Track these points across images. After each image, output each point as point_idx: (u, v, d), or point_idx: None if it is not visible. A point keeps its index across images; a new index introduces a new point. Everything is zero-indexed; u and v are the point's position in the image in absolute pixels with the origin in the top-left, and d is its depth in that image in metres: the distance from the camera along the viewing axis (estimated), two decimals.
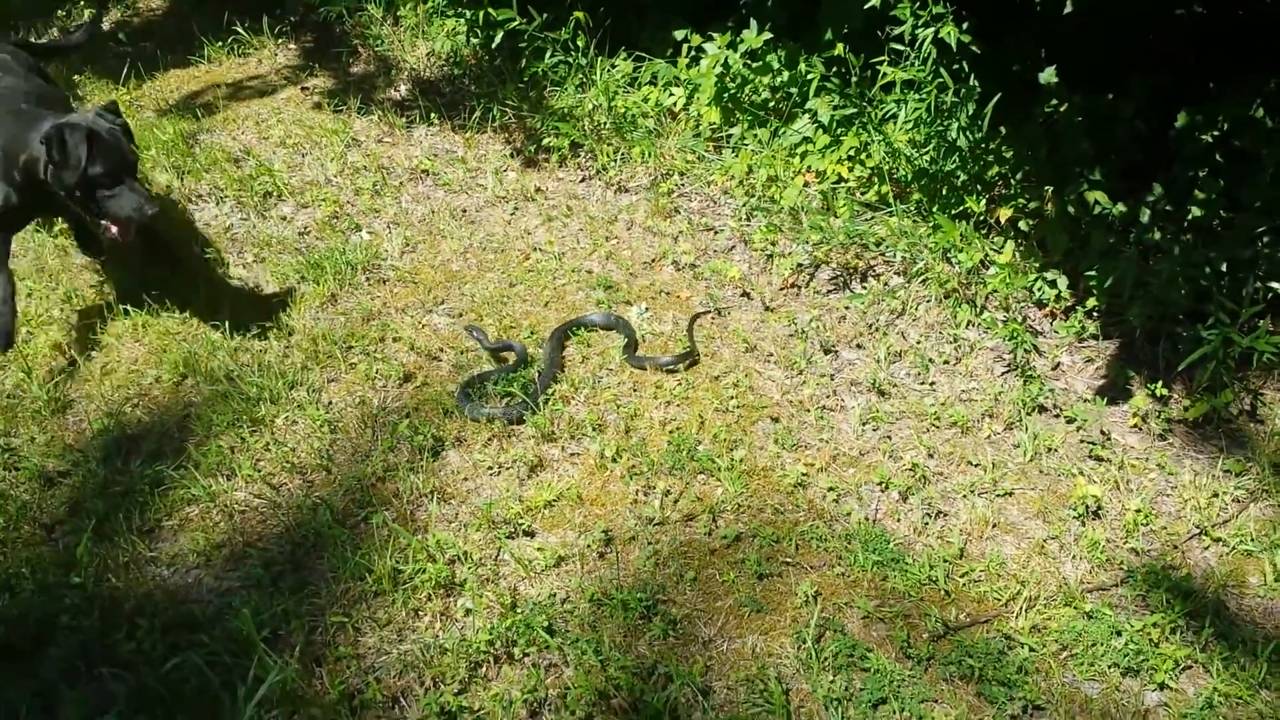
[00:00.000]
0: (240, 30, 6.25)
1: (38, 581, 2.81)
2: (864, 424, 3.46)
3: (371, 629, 2.72)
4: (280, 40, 6.35)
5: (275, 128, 5.31)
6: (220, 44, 6.20)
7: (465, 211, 4.69)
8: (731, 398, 3.53)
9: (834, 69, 4.55)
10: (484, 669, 2.62)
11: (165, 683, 2.53)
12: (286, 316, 3.89)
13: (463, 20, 5.75)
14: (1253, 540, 3.01)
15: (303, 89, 5.77)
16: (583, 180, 4.93)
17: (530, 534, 3.03)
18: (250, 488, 3.15)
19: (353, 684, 2.56)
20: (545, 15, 5.09)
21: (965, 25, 4.04)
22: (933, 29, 4.05)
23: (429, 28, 6.05)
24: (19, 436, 3.34)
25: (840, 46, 4.38)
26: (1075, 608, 2.79)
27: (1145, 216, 3.93)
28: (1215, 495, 3.17)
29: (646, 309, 4.01)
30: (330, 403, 3.50)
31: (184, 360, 3.60)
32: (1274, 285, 3.52)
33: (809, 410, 3.51)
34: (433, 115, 5.38)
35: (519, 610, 2.75)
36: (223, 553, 2.94)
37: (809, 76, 4.47)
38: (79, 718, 2.47)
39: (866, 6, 4.20)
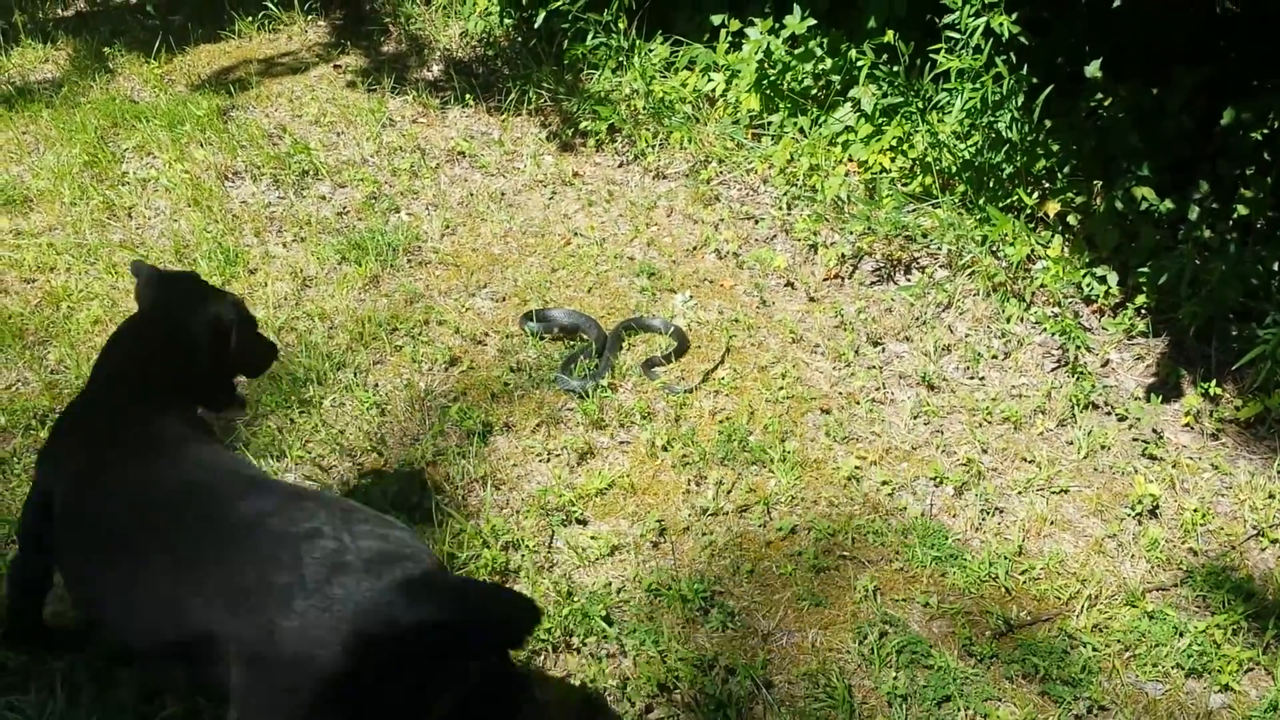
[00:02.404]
0: (270, 5, 6.20)
1: None
2: (915, 418, 3.44)
3: None
4: (310, 17, 6.31)
5: (309, 105, 5.27)
6: (250, 19, 6.15)
7: (504, 194, 4.65)
8: (781, 388, 3.50)
9: (881, 56, 4.50)
10: (543, 658, 2.60)
11: None
12: (329, 297, 3.86)
13: (496, 1, 5.70)
14: None
15: (335, 67, 5.73)
16: (620, 165, 4.90)
17: (583, 522, 3.01)
18: (300, 469, 3.12)
19: None
20: None
21: (1014, 15, 4.00)
22: (984, 19, 4.01)
23: (461, 7, 6.00)
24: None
25: (891, 34, 4.33)
26: (1137, 607, 2.77)
27: (1193, 214, 3.91)
28: (1271, 496, 3.14)
29: (691, 297, 3.98)
30: (377, 385, 3.47)
31: None
32: None
33: (859, 403, 3.48)
34: (467, 96, 5.35)
35: (575, 598, 2.72)
36: None
37: (859, 63, 4.42)
38: (137, 697, 2.44)
39: None
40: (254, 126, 4.97)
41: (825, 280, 4.13)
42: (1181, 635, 2.70)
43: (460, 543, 2.85)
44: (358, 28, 6.16)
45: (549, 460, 3.22)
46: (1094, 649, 2.67)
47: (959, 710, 2.49)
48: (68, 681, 2.43)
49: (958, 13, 4.00)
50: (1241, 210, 3.84)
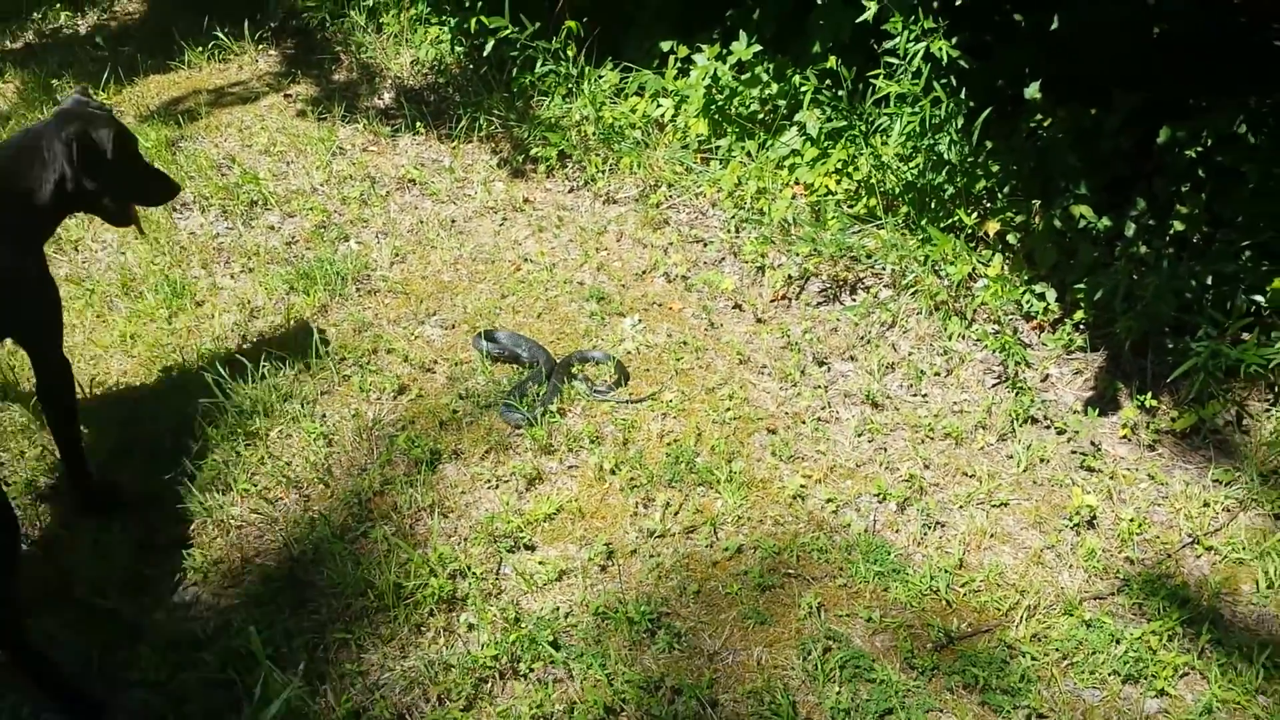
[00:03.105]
0: (220, 35, 6.21)
1: (33, 600, 2.77)
2: (859, 435, 3.49)
3: (375, 645, 2.70)
4: (261, 46, 6.32)
5: (259, 135, 5.27)
6: (200, 49, 6.16)
7: (454, 221, 4.68)
8: (728, 409, 3.54)
9: (825, 81, 4.58)
10: (490, 685, 2.61)
11: (169, 702, 2.50)
12: (277, 329, 3.87)
13: (447, 28, 5.75)
14: (1244, 549, 3.05)
15: (285, 96, 5.74)
16: (571, 191, 4.94)
17: (531, 548, 3.03)
18: (246, 503, 3.12)
19: (359, 701, 2.54)
20: (536, 24, 5.09)
21: (955, 40, 4.09)
22: (924, 44, 4.09)
23: (412, 35, 6.05)
24: (8, 451, 3.29)
25: (833, 59, 4.41)
26: (1075, 616, 2.82)
27: (1130, 230, 4.00)
28: (1206, 504, 3.21)
29: (639, 321, 4.01)
30: (324, 415, 3.48)
31: (175, 372, 3.57)
32: (1258, 299, 3.58)
33: (805, 422, 3.53)
34: (418, 124, 5.37)
35: (523, 624, 2.74)
36: (220, 569, 2.91)
37: (802, 89, 4.50)
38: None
39: (858, 20, 4.25)
40: (203, 157, 4.97)
41: (772, 301, 4.18)
42: (1118, 642, 2.76)
43: (407, 572, 2.86)
44: (309, 56, 6.18)
45: (497, 487, 3.24)
46: (1033, 658, 2.72)
47: None
48: None
49: (899, 38, 4.08)
50: (1178, 226, 3.93)
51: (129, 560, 2.90)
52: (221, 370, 3.57)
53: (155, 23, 6.58)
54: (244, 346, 3.77)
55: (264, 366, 3.64)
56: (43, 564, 2.92)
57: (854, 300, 4.14)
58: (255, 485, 3.17)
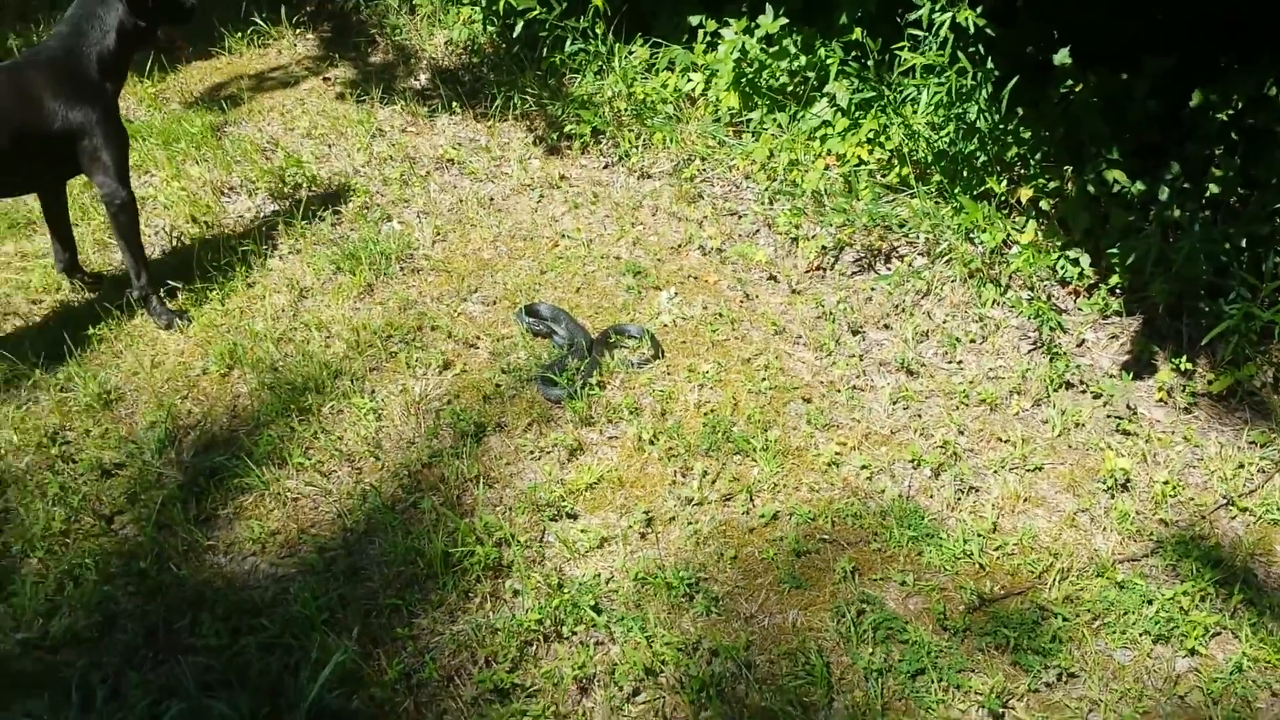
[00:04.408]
0: (258, 20, 6.32)
1: (100, 571, 2.91)
2: (894, 403, 3.54)
3: (424, 611, 2.81)
4: (298, 30, 6.43)
5: (300, 119, 5.39)
6: (240, 35, 6.27)
7: (492, 200, 4.77)
8: (764, 379, 3.61)
9: (852, 53, 4.61)
10: (534, 647, 2.72)
11: (230, 666, 2.63)
12: (325, 307, 3.98)
13: (478, 9, 5.81)
14: (1279, 509, 3.08)
15: (325, 79, 5.85)
16: (606, 167, 5.01)
17: (573, 516, 3.13)
18: (301, 476, 3.24)
19: (409, 664, 2.66)
20: (564, 3, 5.15)
21: (980, 8, 4.10)
22: (949, 14, 4.11)
23: (445, 16, 6.12)
24: (74, 429, 3.43)
25: (858, 31, 4.43)
26: (1107, 578, 2.87)
27: (1164, 194, 4.00)
28: (1241, 466, 3.24)
29: (676, 294, 4.09)
30: (373, 391, 3.59)
31: (229, 351, 3.70)
32: None
33: (840, 390, 3.59)
34: (454, 104, 5.46)
35: (566, 590, 2.84)
36: (277, 539, 3.04)
37: (828, 61, 4.53)
38: (148, 700, 2.57)
39: None
40: (247, 141, 5.10)
41: (807, 272, 4.24)
42: (1150, 603, 2.81)
43: (455, 540, 2.97)
44: (345, 39, 6.28)
45: (540, 458, 3.34)
46: (1064, 619, 2.78)
47: (933, 682, 2.61)
48: (80, 687, 2.55)
49: (923, 8, 4.10)
50: (1213, 189, 3.93)
51: (189, 532, 3.03)
52: (274, 348, 3.70)
53: None
54: (294, 325, 3.88)
55: (315, 344, 3.76)
56: (108, 537, 3.06)
57: (888, 269, 4.19)
58: (309, 459, 3.29)
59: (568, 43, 5.24)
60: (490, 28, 5.84)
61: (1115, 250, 3.87)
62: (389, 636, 2.73)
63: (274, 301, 4.02)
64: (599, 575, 2.91)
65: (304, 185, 4.81)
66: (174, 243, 4.42)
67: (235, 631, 2.74)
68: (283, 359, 3.70)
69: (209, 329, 3.87)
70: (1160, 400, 3.56)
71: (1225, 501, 3.16)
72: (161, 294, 3.95)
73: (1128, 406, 3.52)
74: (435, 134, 5.31)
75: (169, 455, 3.31)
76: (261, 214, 4.65)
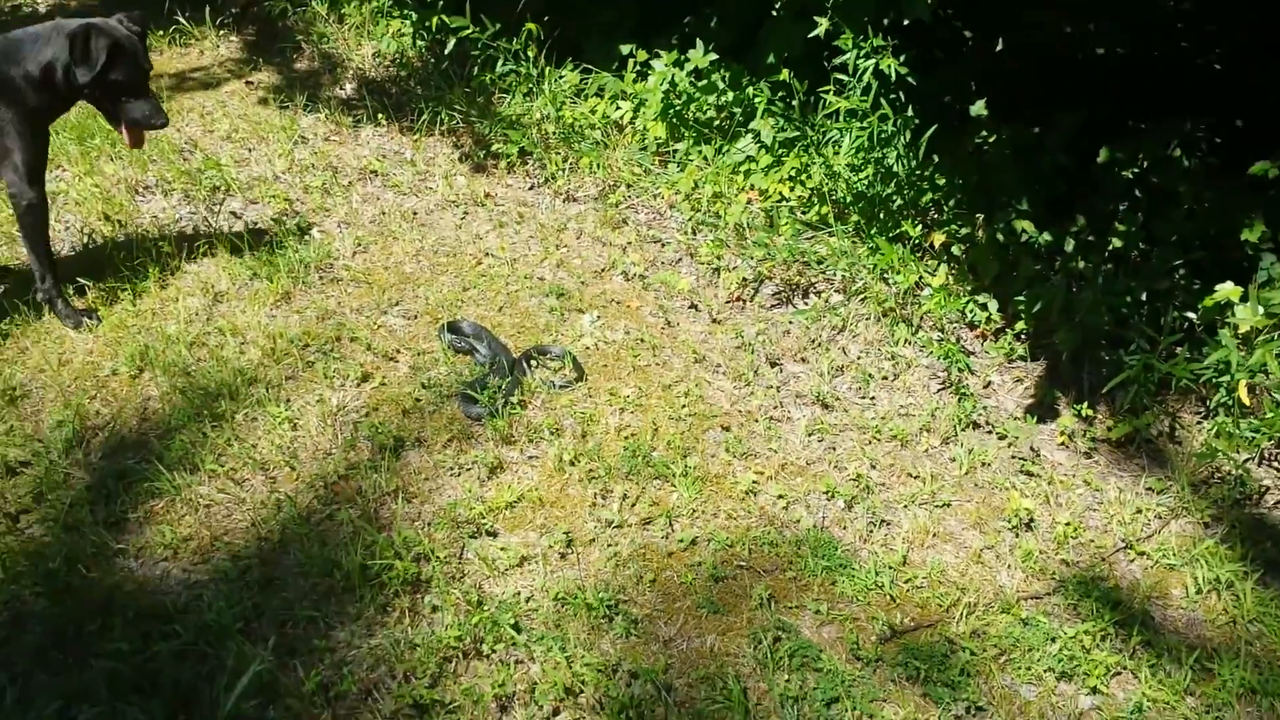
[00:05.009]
0: (181, 19, 6.18)
1: (6, 569, 2.80)
2: (810, 435, 3.62)
3: (342, 623, 2.77)
4: (222, 32, 6.32)
5: (221, 121, 5.29)
6: (161, 33, 6.12)
7: (416, 214, 4.74)
8: (684, 406, 3.66)
9: (779, 93, 4.72)
10: (454, 664, 2.70)
11: (141, 672, 2.55)
12: (241, 313, 3.90)
13: (409, 22, 5.80)
14: (1174, 555, 3.23)
15: (247, 83, 5.75)
16: (532, 188, 5.03)
17: (493, 534, 3.12)
18: (214, 482, 3.17)
19: (327, 676, 2.61)
20: (497, 24, 5.17)
21: (903, 57, 4.25)
22: (873, 60, 4.25)
23: (374, 27, 6.08)
24: None
25: (785, 72, 4.55)
26: (1012, 614, 2.97)
27: (1070, 246, 4.20)
28: (1139, 511, 3.40)
29: (598, 317, 4.12)
30: (289, 400, 3.53)
31: (140, 353, 3.60)
32: (1190, 315, 3.78)
33: (758, 420, 3.66)
34: (380, 116, 5.42)
35: (485, 608, 2.82)
36: (190, 546, 2.96)
37: (755, 99, 4.64)
38: (58, 704, 2.47)
39: (810, 35, 4.39)
40: (165, 141, 4.97)
41: (728, 303, 4.31)
42: (1053, 641, 2.92)
43: (373, 554, 2.94)
44: (270, 45, 6.18)
45: (460, 474, 3.32)
46: (972, 653, 2.87)
47: (847, 710, 2.66)
48: None
49: (849, 54, 4.24)
50: (1116, 243, 4.14)
51: (98, 535, 2.93)
52: (186, 352, 3.61)
53: (115, 3, 6.50)
54: (208, 330, 3.80)
55: (229, 349, 3.68)
56: (11, 535, 2.94)
57: (806, 304, 4.29)
58: (223, 466, 3.22)
59: (499, 63, 5.26)
60: (420, 42, 5.82)
61: (1022, 298, 4.04)
62: (306, 648, 2.68)
63: (188, 304, 3.93)
64: (519, 594, 2.91)
65: (222, 188, 4.71)
66: (86, 240, 4.28)
67: (147, 637, 2.66)
68: (195, 363, 3.61)
69: (120, 329, 3.75)
70: (1062, 444, 3.71)
71: (1124, 545, 3.30)
72: (70, 294, 3.82)
73: (1031, 449, 3.66)
74: (359, 145, 5.26)
75: (76, 456, 3.20)
76: (177, 215, 4.54)
